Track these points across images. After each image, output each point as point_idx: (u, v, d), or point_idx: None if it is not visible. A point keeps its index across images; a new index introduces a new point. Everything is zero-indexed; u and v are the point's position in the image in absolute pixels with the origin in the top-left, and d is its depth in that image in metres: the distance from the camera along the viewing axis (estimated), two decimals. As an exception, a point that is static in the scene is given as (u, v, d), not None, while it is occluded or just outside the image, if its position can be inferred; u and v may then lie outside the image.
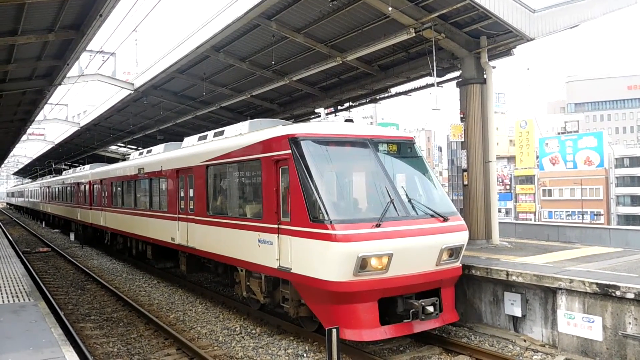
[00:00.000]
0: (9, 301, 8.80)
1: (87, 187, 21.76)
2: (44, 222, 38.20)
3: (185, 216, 11.96)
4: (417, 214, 7.95)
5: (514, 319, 8.62)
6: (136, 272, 15.80)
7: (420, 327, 7.70)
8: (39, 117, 23.46)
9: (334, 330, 5.95)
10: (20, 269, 12.53)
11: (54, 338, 6.60)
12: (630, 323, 6.91)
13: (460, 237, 8.25)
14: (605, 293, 7.09)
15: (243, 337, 8.85)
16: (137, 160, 16.37)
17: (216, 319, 10.11)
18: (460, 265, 8.50)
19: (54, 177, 35.38)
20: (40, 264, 18.22)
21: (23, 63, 12.44)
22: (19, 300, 8.89)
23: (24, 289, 9.90)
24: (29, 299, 8.93)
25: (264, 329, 9.26)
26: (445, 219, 8.09)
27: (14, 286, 10.15)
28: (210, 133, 11.87)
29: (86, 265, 17.50)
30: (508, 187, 67.42)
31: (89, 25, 9.49)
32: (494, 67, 12.07)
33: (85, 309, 11.27)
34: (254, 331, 9.17)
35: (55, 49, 11.65)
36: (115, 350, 8.36)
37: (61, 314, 10.01)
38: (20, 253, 19.48)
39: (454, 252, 8.17)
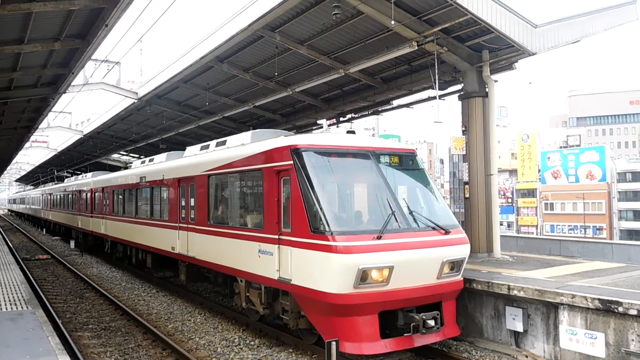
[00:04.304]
0: (7, 309, 8.75)
1: (89, 194, 21.78)
2: (44, 229, 38.20)
3: (185, 225, 11.94)
4: (419, 226, 7.93)
5: (516, 334, 8.54)
6: (135, 281, 15.74)
7: (420, 341, 7.63)
8: (43, 124, 23.61)
9: (334, 343, 5.91)
10: (19, 276, 12.48)
11: (51, 347, 6.55)
12: (633, 340, 6.83)
13: (462, 250, 8.21)
14: (607, 309, 7.03)
15: (242, 349, 8.77)
16: (139, 168, 16.40)
17: (215, 329, 10.04)
18: (462, 278, 8.45)
19: (55, 184, 35.44)
20: (40, 271, 18.17)
21: (29, 71, 12.55)
22: (17, 307, 8.84)
23: (23, 296, 9.85)
24: (27, 307, 8.88)
25: (262, 341, 9.18)
26: (446, 232, 8.06)
27: (12, 294, 10.10)
28: (213, 143, 11.90)
29: (85, 273, 17.44)
30: (510, 200, 67.33)
31: (94, 35, 9.59)
32: (496, 81, 12.12)
33: (84, 317, 11.21)
34: (252, 342, 9.10)
35: (60, 57, 11.76)
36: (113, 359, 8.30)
37: (59, 322, 9.96)
38: (20, 260, 19.43)
39: (455, 265, 8.12)
